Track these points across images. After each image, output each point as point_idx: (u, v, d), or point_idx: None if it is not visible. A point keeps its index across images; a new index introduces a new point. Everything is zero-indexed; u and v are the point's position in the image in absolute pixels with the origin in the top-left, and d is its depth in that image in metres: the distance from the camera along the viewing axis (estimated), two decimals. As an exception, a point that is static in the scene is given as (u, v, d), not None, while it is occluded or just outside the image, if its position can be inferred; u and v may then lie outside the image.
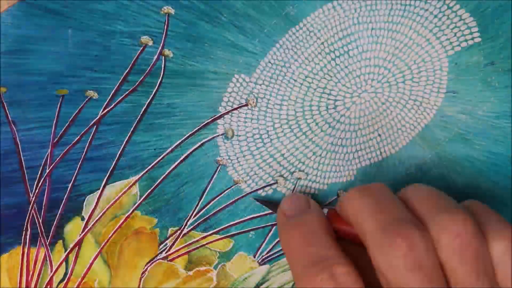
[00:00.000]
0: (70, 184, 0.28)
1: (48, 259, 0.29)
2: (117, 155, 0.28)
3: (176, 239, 0.30)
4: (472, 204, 0.25)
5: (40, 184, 0.28)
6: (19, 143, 0.27)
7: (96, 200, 0.29)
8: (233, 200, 0.30)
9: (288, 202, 0.28)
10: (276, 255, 0.31)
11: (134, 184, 0.29)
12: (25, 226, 0.28)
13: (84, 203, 0.28)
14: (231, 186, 0.30)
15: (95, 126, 0.28)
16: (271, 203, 0.30)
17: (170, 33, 0.27)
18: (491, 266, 0.23)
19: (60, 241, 0.29)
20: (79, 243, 0.29)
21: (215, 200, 0.30)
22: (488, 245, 0.23)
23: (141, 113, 0.28)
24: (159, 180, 0.29)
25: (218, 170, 0.29)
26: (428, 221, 0.23)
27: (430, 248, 0.22)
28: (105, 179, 0.28)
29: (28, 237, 0.28)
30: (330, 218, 0.27)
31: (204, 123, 0.29)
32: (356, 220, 0.25)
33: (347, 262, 0.24)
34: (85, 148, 0.28)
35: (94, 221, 0.29)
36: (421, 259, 0.22)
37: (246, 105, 0.29)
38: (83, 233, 0.29)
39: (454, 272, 0.22)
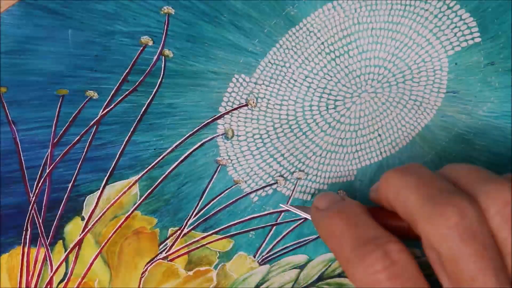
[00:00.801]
0: (70, 184, 0.28)
1: (48, 259, 0.29)
2: (117, 155, 0.28)
3: (176, 239, 0.30)
4: None
5: (40, 184, 0.28)
6: (19, 143, 0.27)
7: (96, 200, 0.29)
8: (233, 200, 0.30)
9: (321, 198, 0.27)
10: (276, 255, 0.31)
11: (134, 184, 0.29)
12: (25, 226, 0.28)
13: (84, 203, 0.28)
14: (231, 186, 0.30)
15: (95, 126, 0.28)
16: (302, 208, 0.29)
17: (170, 33, 0.27)
18: None
19: (60, 241, 0.29)
20: (79, 243, 0.29)
21: (215, 200, 0.30)
22: None
23: (141, 113, 0.28)
24: (159, 180, 0.29)
25: (218, 170, 0.29)
26: (475, 192, 0.22)
27: (482, 216, 0.22)
28: (105, 179, 0.28)
29: (28, 237, 0.28)
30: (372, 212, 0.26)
31: (204, 123, 0.29)
32: (398, 199, 0.23)
33: (398, 240, 0.23)
34: (85, 148, 0.28)
35: (94, 221, 0.29)
36: (474, 228, 0.21)
37: (246, 105, 0.29)
38: (83, 233, 0.29)
39: (505, 241, 0.22)
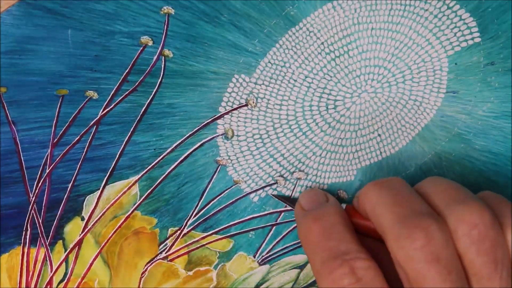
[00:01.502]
0: (70, 184, 0.28)
1: (48, 259, 0.29)
2: (117, 155, 0.28)
3: (176, 239, 0.30)
4: (488, 195, 0.25)
5: (40, 184, 0.28)
6: (19, 143, 0.27)
7: (96, 200, 0.29)
8: (233, 200, 0.30)
9: (306, 196, 0.28)
10: (276, 255, 0.31)
11: (134, 184, 0.29)
12: (25, 226, 0.28)
13: (84, 203, 0.28)
14: (231, 186, 0.30)
15: (95, 126, 0.28)
16: (289, 199, 0.30)
17: (170, 33, 0.27)
18: (508, 256, 0.23)
19: (60, 241, 0.29)
20: (79, 243, 0.29)
21: (215, 200, 0.30)
22: (505, 235, 0.23)
23: (141, 113, 0.28)
24: (159, 180, 0.29)
25: (218, 170, 0.29)
26: (445, 213, 0.23)
27: (448, 239, 0.22)
28: (105, 179, 0.28)
29: (28, 237, 0.28)
30: (348, 213, 0.27)
31: (204, 123, 0.29)
32: (373, 214, 0.25)
33: (367, 256, 0.24)
34: (85, 148, 0.28)
35: (94, 221, 0.29)
36: (440, 251, 0.22)
37: (246, 105, 0.29)
38: (83, 233, 0.29)
39: (471, 263, 0.22)
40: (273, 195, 0.30)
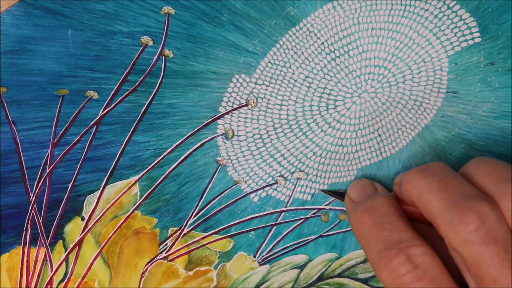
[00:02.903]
0: (70, 184, 0.28)
1: (48, 259, 0.29)
2: (117, 155, 0.28)
3: (176, 239, 0.30)
4: None
5: (40, 184, 0.28)
6: (19, 143, 0.27)
7: (96, 200, 0.29)
8: (233, 200, 0.30)
9: (355, 188, 0.28)
10: (276, 255, 0.32)
11: (134, 184, 0.29)
12: (25, 226, 0.28)
13: (84, 203, 0.28)
14: (231, 186, 0.30)
15: (95, 126, 0.28)
16: (338, 193, 0.30)
17: (170, 33, 0.27)
18: None
19: (60, 241, 0.29)
20: (79, 243, 0.29)
21: (215, 200, 0.30)
22: None
23: (141, 113, 0.28)
24: (159, 180, 0.29)
25: (218, 170, 0.29)
26: (495, 192, 0.23)
27: (502, 219, 0.22)
28: (105, 179, 0.28)
29: (28, 237, 0.28)
30: (397, 200, 0.27)
31: (204, 123, 0.29)
32: (421, 201, 0.24)
33: (422, 242, 0.24)
34: (85, 148, 0.28)
35: (94, 221, 0.29)
36: (495, 231, 0.22)
37: (246, 105, 0.29)
38: (83, 233, 0.29)
39: None
40: (322, 190, 0.30)
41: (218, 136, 0.29)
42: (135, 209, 0.29)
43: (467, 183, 0.24)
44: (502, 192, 0.23)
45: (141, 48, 0.27)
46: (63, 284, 0.29)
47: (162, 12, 0.26)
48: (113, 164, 0.28)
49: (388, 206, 0.26)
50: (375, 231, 0.25)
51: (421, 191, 0.24)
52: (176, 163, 0.29)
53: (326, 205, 0.31)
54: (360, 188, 0.28)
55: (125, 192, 0.29)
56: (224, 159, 0.29)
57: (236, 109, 0.29)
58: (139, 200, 0.29)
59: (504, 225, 0.22)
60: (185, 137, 0.29)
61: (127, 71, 0.27)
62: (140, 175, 0.29)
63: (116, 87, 0.27)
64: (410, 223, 0.25)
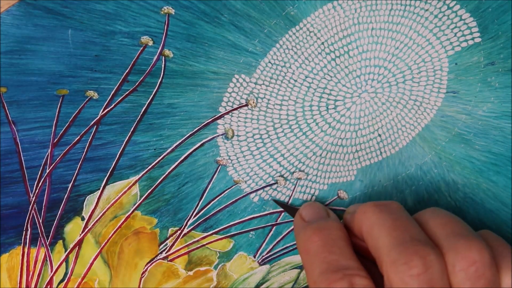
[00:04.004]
0: (70, 184, 0.28)
1: (48, 259, 0.29)
2: (117, 155, 0.28)
3: (176, 239, 0.30)
4: (488, 235, 0.26)
5: (40, 184, 0.28)
6: (19, 143, 0.27)
7: (96, 200, 0.29)
8: (233, 200, 0.30)
9: (308, 208, 0.28)
10: (276, 255, 0.32)
11: (134, 184, 0.29)
12: (25, 226, 0.28)
13: (84, 203, 0.28)
14: (231, 186, 0.30)
15: (95, 126, 0.28)
16: (289, 207, 0.30)
17: (170, 33, 0.27)
18: None
19: (60, 241, 0.29)
20: (79, 243, 0.29)
21: (215, 200, 0.30)
22: (500, 277, 0.23)
23: (141, 113, 0.28)
24: (159, 180, 0.29)
25: (218, 170, 0.29)
26: (444, 245, 0.23)
27: (444, 271, 0.23)
28: (105, 179, 0.28)
29: (28, 237, 0.28)
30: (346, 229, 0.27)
31: (204, 123, 0.29)
32: (371, 234, 0.25)
33: (367, 275, 0.24)
34: (85, 148, 0.28)
35: (94, 221, 0.29)
36: (435, 281, 0.22)
37: (246, 105, 0.29)
38: (83, 233, 0.29)
39: None
40: (273, 199, 0.30)
41: (218, 136, 0.29)
42: (135, 209, 0.29)
43: (419, 229, 0.24)
44: (450, 246, 0.23)
45: (141, 48, 0.27)
46: (63, 284, 0.29)
47: (162, 12, 0.26)
48: (113, 164, 0.28)
49: (340, 232, 0.26)
50: (323, 251, 0.25)
51: (373, 224, 0.25)
52: (176, 163, 0.29)
53: (326, 205, 0.31)
54: (313, 209, 0.28)
55: (125, 192, 0.29)
56: (224, 159, 0.29)
57: (236, 109, 0.29)
58: (139, 200, 0.29)
59: (445, 278, 0.23)
60: (185, 137, 0.29)
61: (127, 71, 0.27)
62: (140, 175, 0.29)
63: (116, 87, 0.27)
64: (356, 255, 0.25)
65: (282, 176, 0.30)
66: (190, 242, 0.30)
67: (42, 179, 0.28)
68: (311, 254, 0.25)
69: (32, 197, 0.28)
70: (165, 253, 0.30)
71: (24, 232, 0.28)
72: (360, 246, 0.26)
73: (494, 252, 0.24)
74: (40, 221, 0.28)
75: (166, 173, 0.29)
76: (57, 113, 0.27)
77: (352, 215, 0.27)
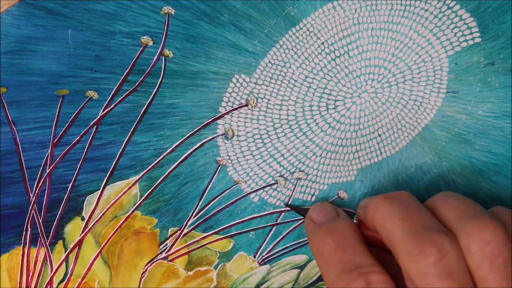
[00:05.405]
0: (70, 184, 0.28)
1: (48, 259, 0.29)
2: (117, 155, 0.28)
3: (176, 239, 0.30)
4: (499, 211, 0.25)
5: (40, 184, 0.28)
6: (19, 143, 0.27)
7: (96, 200, 0.29)
8: (233, 200, 0.30)
9: (317, 210, 0.28)
10: (277, 255, 0.32)
11: (134, 184, 0.29)
12: (25, 226, 0.28)
13: (84, 203, 0.28)
14: (231, 186, 0.30)
15: (95, 126, 0.28)
16: (300, 209, 0.30)
17: (170, 33, 0.27)
18: None
19: (60, 241, 0.29)
20: (79, 243, 0.29)
21: (215, 200, 0.30)
22: None
23: (141, 113, 0.28)
24: (159, 180, 0.29)
25: (218, 170, 0.29)
26: (458, 228, 0.23)
27: (460, 255, 0.23)
28: (105, 179, 0.28)
29: (28, 237, 0.28)
30: (359, 224, 0.27)
31: (204, 123, 0.29)
32: (383, 227, 0.25)
33: (382, 270, 0.24)
34: (85, 148, 0.28)
35: (94, 221, 0.29)
36: (452, 267, 0.22)
37: (246, 105, 0.29)
38: (83, 233, 0.29)
39: (484, 279, 0.23)
40: (286, 204, 0.30)
41: (218, 136, 0.29)
42: (135, 209, 0.29)
43: (431, 216, 0.24)
44: (463, 229, 0.23)
45: (141, 48, 0.27)
46: (63, 284, 0.29)
47: (162, 12, 0.26)
48: (113, 164, 0.28)
49: (351, 230, 0.26)
50: (336, 252, 0.25)
51: (385, 218, 0.25)
52: (176, 163, 0.29)
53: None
54: (322, 210, 0.28)
55: (125, 192, 0.29)
56: (224, 159, 0.29)
57: (236, 109, 0.29)
58: (139, 200, 0.29)
59: (462, 262, 0.23)
60: (185, 137, 0.29)
61: (127, 71, 0.27)
62: (140, 175, 0.29)
63: (116, 87, 0.27)
64: (370, 250, 0.25)
65: (282, 176, 0.30)
66: (190, 242, 0.30)
67: (42, 179, 0.28)
68: (326, 257, 0.25)
69: (32, 197, 0.28)
70: (165, 253, 0.30)
71: (24, 232, 0.28)
72: (376, 238, 0.26)
73: (508, 228, 0.24)
74: (40, 221, 0.28)
75: (166, 173, 0.29)
76: (57, 113, 0.27)
77: (364, 210, 0.27)
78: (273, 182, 0.30)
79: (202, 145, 0.29)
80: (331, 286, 0.24)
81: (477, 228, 0.23)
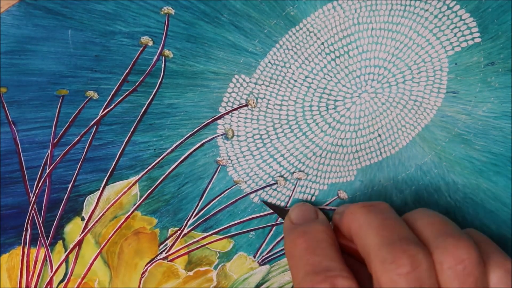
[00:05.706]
0: (70, 184, 0.28)
1: (48, 259, 0.29)
2: (117, 155, 0.28)
3: (176, 240, 0.30)
4: (473, 233, 0.26)
5: (40, 184, 0.28)
6: (19, 143, 0.27)
7: (96, 200, 0.29)
8: (233, 200, 0.30)
9: (297, 211, 0.28)
10: (277, 255, 0.32)
11: (134, 184, 0.29)
12: (25, 226, 0.28)
13: (84, 204, 0.28)
14: (231, 187, 0.30)
15: (95, 126, 0.28)
16: (280, 209, 0.30)
17: (170, 33, 0.27)
18: None
19: (60, 241, 0.29)
20: (79, 243, 0.29)
21: (215, 200, 0.30)
22: (487, 276, 0.24)
23: (141, 113, 0.28)
24: (159, 181, 0.29)
25: (218, 170, 0.29)
26: (433, 244, 0.24)
27: (432, 269, 0.23)
28: (105, 180, 0.28)
29: (28, 237, 0.28)
30: (335, 230, 0.27)
31: (204, 124, 0.29)
32: (359, 234, 0.25)
33: (349, 276, 0.24)
34: (85, 148, 0.28)
35: (94, 221, 0.29)
36: (423, 280, 0.22)
37: (246, 105, 0.29)
38: (83, 234, 0.29)
39: None
40: (263, 201, 0.30)
41: (218, 136, 0.29)
42: (135, 209, 0.29)
43: (407, 228, 0.24)
44: (438, 244, 0.23)
45: (141, 48, 0.27)
46: (63, 284, 0.29)
47: (162, 12, 0.26)
48: (113, 164, 0.28)
49: (325, 234, 0.26)
50: (306, 254, 0.25)
51: (361, 225, 0.25)
52: (176, 163, 0.29)
53: (326, 205, 0.31)
54: (302, 211, 0.28)
55: (125, 192, 0.29)
56: (224, 159, 0.29)
57: (236, 109, 0.29)
58: (139, 200, 0.29)
59: (433, 276, 0.23)
60: (185, 137, 0.29)
61: (127, 71, 0.27)
62: (140, 175, 0.29)
63: (116, 87, 0.27)
64: (341, 256, 0.25)
65: (282, 176, 0.30)
66: (190, 242, 0.30)
67: (42, 179, 0.28)
68: (296, 257, 0.25)
69: (32, 197, 0.28)
70: (165, 253, 0.30)
71: (24, 232, 0.28)
72: (349, 247, 0.27)
73: (481, 251, 0.24)
74: (40, 221, 0.28)
75: (166, 173, 0.29)
76: (57, 113, 0.27)
77: (340, 216, 0.27)
78: (273, 182, 0.30)
79: (202, 145, 0.29)
80: (297, 286, 0.25)
81: (452, 245, 0.23)
